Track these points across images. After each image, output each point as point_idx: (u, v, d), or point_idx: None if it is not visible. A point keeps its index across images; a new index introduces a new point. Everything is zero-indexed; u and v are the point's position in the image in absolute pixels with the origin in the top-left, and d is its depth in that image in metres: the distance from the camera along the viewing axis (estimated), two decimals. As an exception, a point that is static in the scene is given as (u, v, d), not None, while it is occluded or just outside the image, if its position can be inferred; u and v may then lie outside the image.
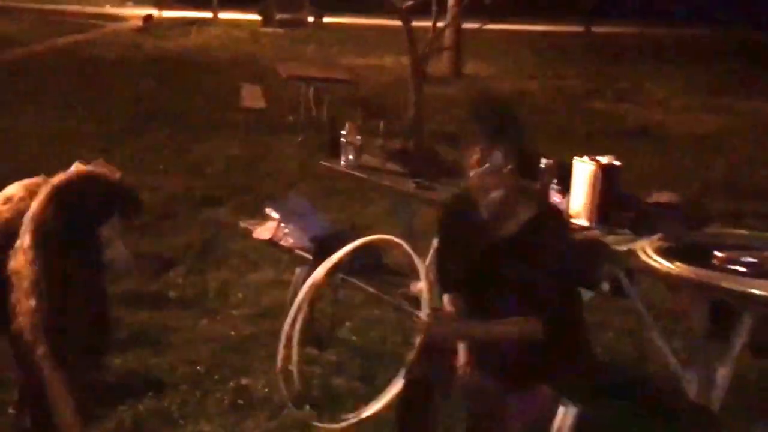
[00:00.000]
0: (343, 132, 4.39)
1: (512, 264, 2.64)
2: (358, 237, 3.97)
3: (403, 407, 2.85)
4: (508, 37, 22.65)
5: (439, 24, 9.36)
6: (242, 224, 4.37)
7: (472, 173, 2.65)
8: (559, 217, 2.88)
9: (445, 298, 2.92)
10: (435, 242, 3.47)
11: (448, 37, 14.59)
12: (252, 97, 9.45)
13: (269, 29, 27.76)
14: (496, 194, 2.64)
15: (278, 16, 29.97)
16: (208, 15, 31.07)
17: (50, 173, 2.71)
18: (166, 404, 3.45)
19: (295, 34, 26.15)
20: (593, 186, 3.35)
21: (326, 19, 30.25)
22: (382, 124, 9.07)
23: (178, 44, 20.82)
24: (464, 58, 16.59)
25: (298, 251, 4.04)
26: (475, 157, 2.63)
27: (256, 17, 30.03)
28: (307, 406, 3.47)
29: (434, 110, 11.08)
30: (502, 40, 21.51)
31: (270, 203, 4.19)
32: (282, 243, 4.12)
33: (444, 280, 2.94)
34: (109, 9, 33.75)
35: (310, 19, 30.39)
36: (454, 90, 13.51)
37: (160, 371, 3.73)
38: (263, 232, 4.20)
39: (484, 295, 2.74)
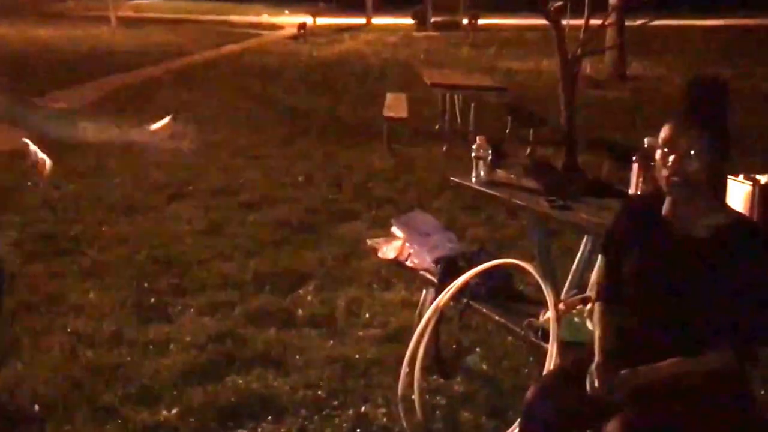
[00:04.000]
0: (474, 146, 4.20)
1: (698, 272, 2.37)
2: (487, 258, 3.80)
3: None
4: (680, 33, 21.51)
5: (594, 22, 8.84)
6: (369, 242, 4.26)
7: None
8: (759, 232, 2.47)
9: (597, 308, 2.65)
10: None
11: (610, 36, 13.93)
12: (395, 106, 9.39)
13: (423, 33, 27.86)
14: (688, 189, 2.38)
15: (432, 19, 30.07)
16: (362, 21, 31.58)
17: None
18: (284, 428, 3.39)
19: (450, 37, 26.08)
20: (750, 211, 2.99)
21: (482, 21, 30.01)
22: (531, 132, 8.84)
23: (331, 51, 21.21)
24: (629, 58, 15.82)
25: (423, 272, 3.89)
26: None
27: (410, 21, 30.24)
28: (429, 439, 3.32)
29: (594, 116, 10.63)
30: (673, 37, 20.45)
31: (395, 220, 4.06)
32: (407, 263, 3.97)
33: (607, 289, 2.66)
34: (267, 18, 34.97)
35: (465, 21, 30.26)
36: (616, 93, 12.90)
37: (281, 393, 3.66)
38: (389, 251, 4.06)
39: (657, 308, 2.46)
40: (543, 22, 8.26)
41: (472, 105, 9.15)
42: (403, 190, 7.14)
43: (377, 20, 31.87)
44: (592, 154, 8.18)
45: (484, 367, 3.97)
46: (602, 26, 8.63)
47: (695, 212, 2.43)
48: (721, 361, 2.34)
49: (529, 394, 2.57)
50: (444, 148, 8.67)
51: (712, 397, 2.35)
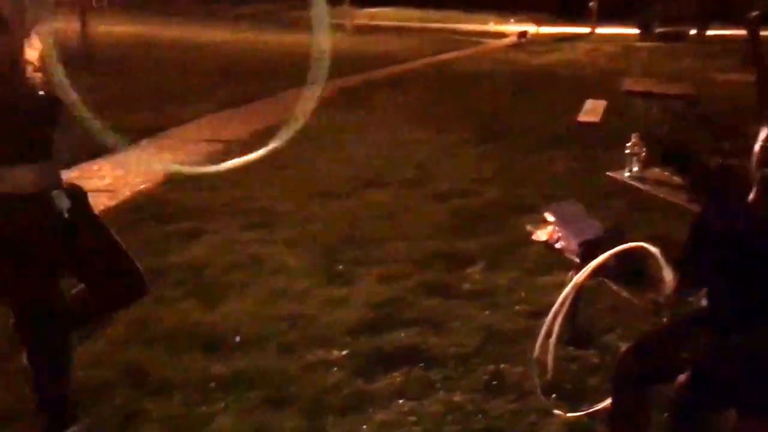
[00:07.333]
0: (628, 144, 4.56)
1: None
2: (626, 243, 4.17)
3: (614, 413, 3.01)
4: None
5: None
6: (528, 227, 4.72)
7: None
8: None
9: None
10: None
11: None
12: (592, 111, 9.67)
13: (645, 43, 27.35)
14: None
15: (658, 30, 29.44)
16: (586, 30, 31.42)
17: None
18: (430, 375, 3.96)
19: (673, 48, 25.46)
20: None
21: (711, 32, 28.99)
22: (727, 144, 8.80)
23: (547, 60, 21.48)
24: None
25: (567, 254, 4.32)
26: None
27: (634, 31, 29.78)
28: (554, 396, 3.76)
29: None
30: None
31: (548, 207, 4.51)
32: (556, 246, 4.42)
33: (696, 272, 2.98)
34: (492, 26, 35.62)
35: (693, 32, 29.35)
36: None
37: (435, 348, 4.24)
38: (542, 234, 4.53)
39: (749, 285, 2.75)
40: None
41: (668, 114, 9.28)
42: (582, 190, 7.46)
43: (601, 30, 31.62)
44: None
45: (621, 344, 4.33)
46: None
47: None
48: None
49: (622, 350, 2.99)
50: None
51: None
